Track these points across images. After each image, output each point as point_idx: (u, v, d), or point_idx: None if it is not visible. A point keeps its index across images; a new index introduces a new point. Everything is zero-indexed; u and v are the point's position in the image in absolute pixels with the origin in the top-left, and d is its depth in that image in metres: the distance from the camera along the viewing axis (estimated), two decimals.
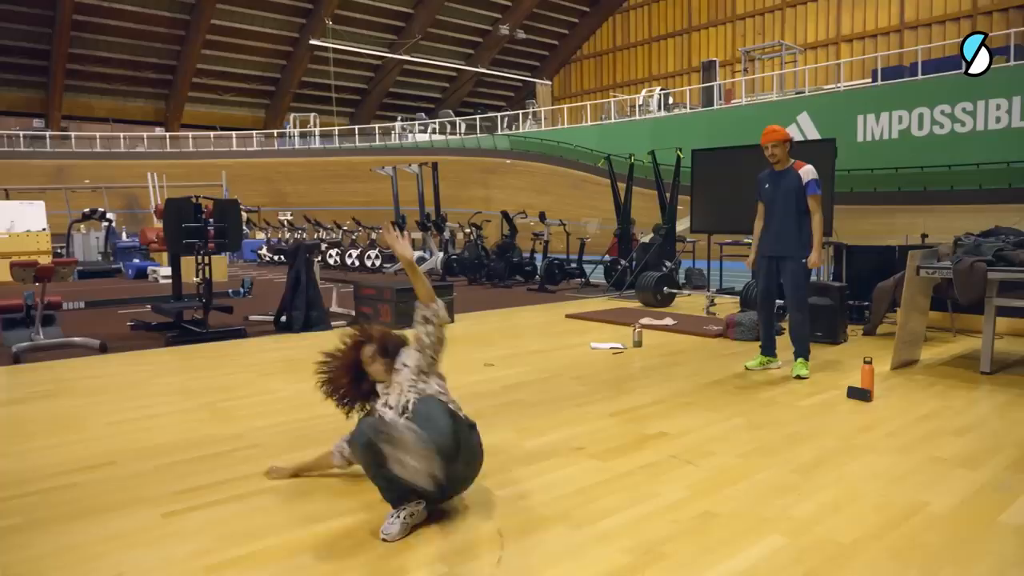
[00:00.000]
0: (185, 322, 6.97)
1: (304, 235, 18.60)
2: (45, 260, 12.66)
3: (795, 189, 4.78)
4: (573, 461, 3.14)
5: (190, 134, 33.40)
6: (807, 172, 4.77)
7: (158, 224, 14.34)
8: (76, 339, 6.28)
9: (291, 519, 2.56)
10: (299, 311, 7.00)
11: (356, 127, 33.11)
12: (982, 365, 4.83)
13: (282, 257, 17.02)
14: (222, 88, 38.01)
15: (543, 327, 7.31)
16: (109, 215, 16.64)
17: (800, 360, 4.83)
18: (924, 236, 7.90)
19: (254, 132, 33.79)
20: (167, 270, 14.09)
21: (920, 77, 18.10)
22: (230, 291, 9.91)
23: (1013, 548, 2.31)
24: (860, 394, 4.16)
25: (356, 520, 2.54)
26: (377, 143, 31.58)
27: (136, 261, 15.59)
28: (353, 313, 7.72)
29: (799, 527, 2.45)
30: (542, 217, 11.40)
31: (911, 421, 3.73)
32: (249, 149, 32.70)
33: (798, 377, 4.73)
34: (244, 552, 2.30)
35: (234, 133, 33.44)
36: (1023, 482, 2.85)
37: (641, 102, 26.15)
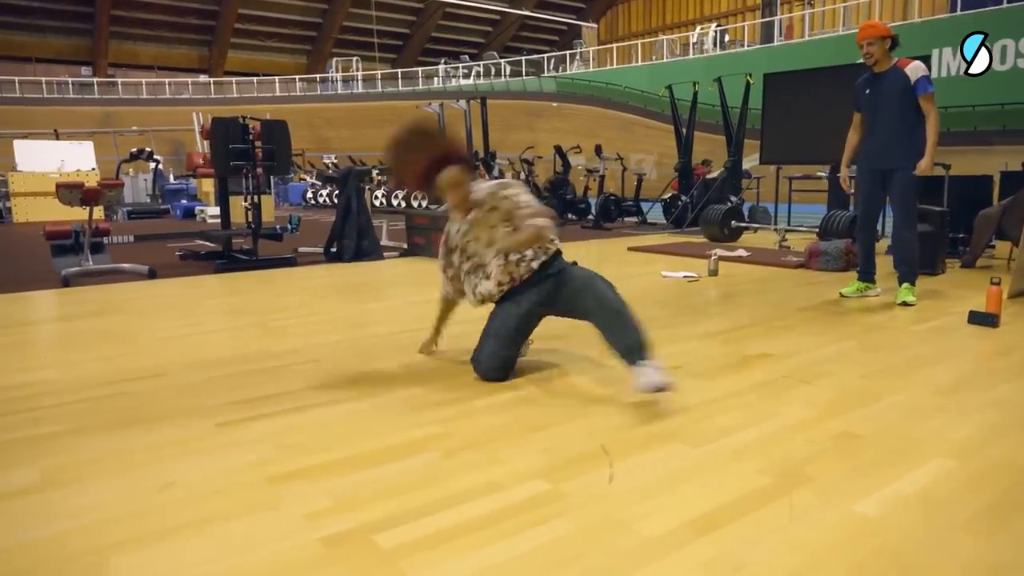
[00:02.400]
0: (234, 251, 6.75)
1: None
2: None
3: (901, 90, 4.19)
4: (675, 378, 2.76)
5: (233, 80, 33.25)
6: (915, 68, 4.17)
7: (203, 151, 14.28)
8: (125, 265, 6.10)
9: (357, 432, 2.24)
10: (350, 240, 6.70)
11: (399, 71, 32.50)
12: None
13: (329, 199, 16.81)
14: (264, 34, 37.65)
15: (606, 257, 6.88)
16: (156, 156, 16.58)
17: (906, 285, 4.32)
18: None
19: (296, 78, 33.43)
20: (215, 210, 14.02)
21: (1005, 5, 16.66)
22: (278, 227, 9.70)
23: None
24: (985, 319, 3.66)
25: (425, 433, 2.21)
26: (420, 87, 30.95)
27: (184, 202, 15.56)
28: (405, 246, 7.40)
29: (964, 449, 2.04)
30: (598, 151, 10.83)
31: None
32: (292, 94, 32.44)
33: (904, 304, 4.24)
34: (309, 464, 1.99)
35: (277, 79, 33.17)
36: None
37: (695, 40, 24.91)
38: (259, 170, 6.20)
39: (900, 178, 4.23)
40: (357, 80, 32.33)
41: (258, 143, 6.16)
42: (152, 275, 5.85)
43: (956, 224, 6.32)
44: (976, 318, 3.70)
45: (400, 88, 31.07)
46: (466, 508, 1.71)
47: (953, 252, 6.28)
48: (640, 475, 1.89)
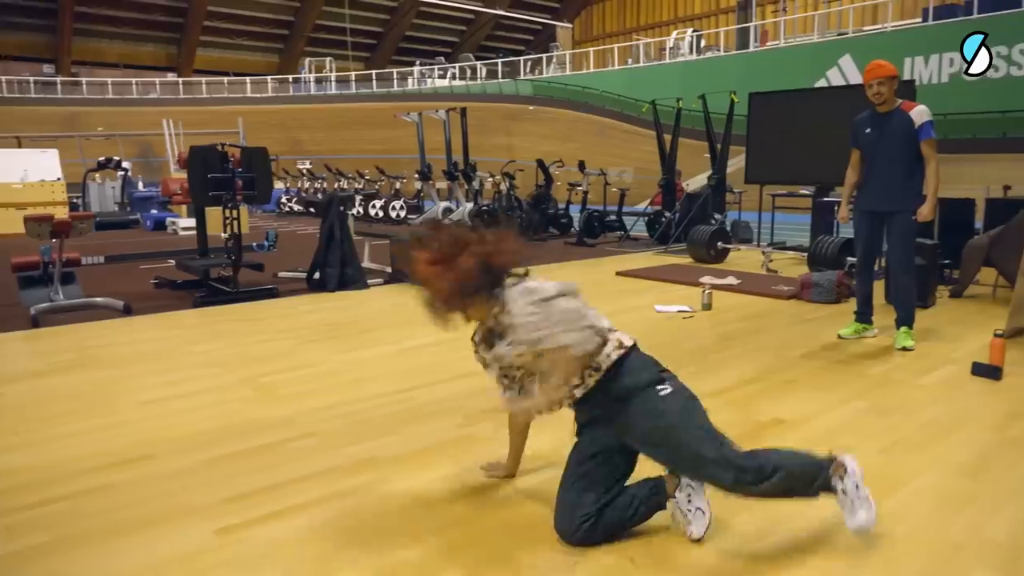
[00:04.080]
0: (212, 280, 6.52)
1: (324, 184, 18.04)
2: (61, 212, 12.26)
3: (904, 133, 4.15)
4: None
5: (203, 80, 32.54)
6: (920, 113, 4.13)
7: (177, 173, 13.89)
8: (98, 299, 5.85)
9: (370, 539, 2.11)
10: (333, 268, 6.51)
11: (374, 72, 32.10)
12: None
13: (307, 207, 16.52)
14: (234, 32, 36.93)
15: (596, 286, 6.77)
16: (125, 164, 16.12)
17: (904, 329, 4.29)
18: (1007, 188, 7.24)
19: (268, 78, 32.83)
20: (187, 221, 13.66)
21: (976, 16, 16.93)
22: (254, 244, 9.43)
23: None
24: (988, 371, 3.63)
25: (443, 543, 2.08)
26: (396, 89, 30.62)
27: (154, 212, 15.14)
28: (389, 269, 7.24)
29: (1007, 558, 1.97)
30: (581, 167, 10.75)
31: None
32: (263, 95, 31.86)
33: (903, 348, 4.20)
34: None
35: (248, 79, 32.55)
36: None
37: (671, 45, 24.97)
38: (239, 197, 5.97)
39: (900, 222, 4.20)
40: (331, 81, 31.85)
41: (238, 170, 5.93)
42: (128, 311, 5.61)
43: (944, 250, 6.34)
44: (980, 370, 3.67)
45: (375, 89, 30.69)
46: None
47: (940, 279, 6.29)
48: None
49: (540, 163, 11.22)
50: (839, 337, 4.52)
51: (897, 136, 4.17)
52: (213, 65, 37.20)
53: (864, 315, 4.54)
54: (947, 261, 6.35)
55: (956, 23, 17.28)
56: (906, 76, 17.72)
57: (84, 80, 31.46)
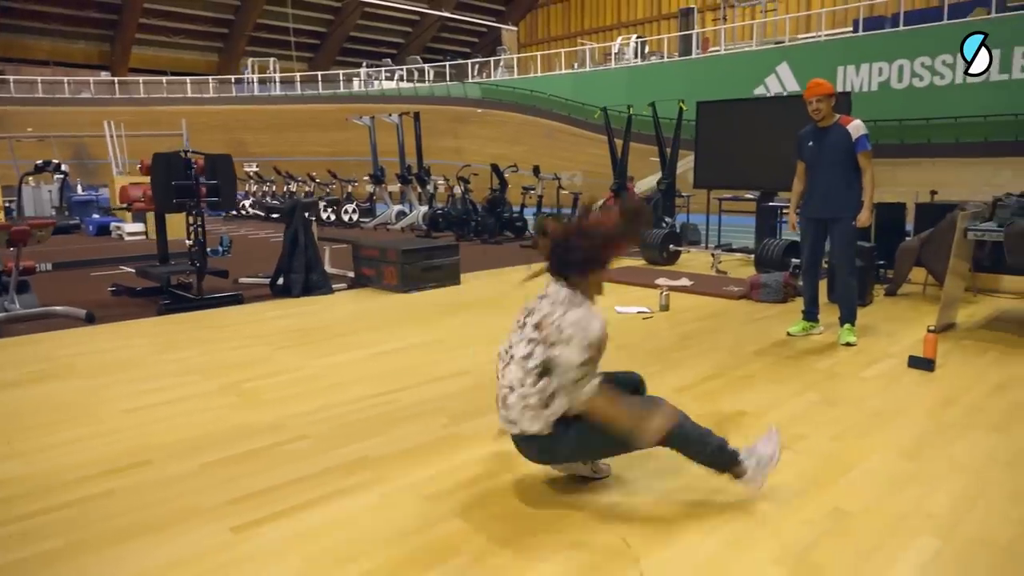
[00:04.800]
0: (173, 287, 6.48)
1: (273, 187, 17.82)
2: None
3: (842, 146, 4.51)
4: (660, 449, 2.89)
5: (140, 79, 31.54)
6: (856, 127, 4.49)
7: (122, 178, 13.53)
8: (58, 308, 5.76)
9: (376, 533, 2.25)
10: (298, 274, 6.55)
11: (319, 73, 31.71)
12: None
13: (269, 213, 16.27)
14: (171, 30, 35.92)
15: None
16: (64, 167, 15.56)
17: (847, 326, 4.65)
18: (933, 193, 7.77)
19: (210, 78, 32.08)
20: (133, 227, 13.35)
21: (902, 28, 17.92)
22: (208, 250, 9.36)
23: None
24: (923, 364, 4.00)
25: (448, 529, 2.25)
26: (342, 90, 30.33)
27: (96, 217, 14.70)
28: (352, 274, 7.30)
29: (944, 526, 2.25)
30: (536, 171, 10.98)
31: (986, 394, 3.58)
32: (205, 96, 31.10)
33: (847, 344, 4.56)
34: (353, 573, 2.00)
35: (188, 79, 31.70)
36: None
37: (616, 50, 25.52)
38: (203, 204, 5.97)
39: (842, 227, 4.55)
40: (275, 81, 31.32)
41: (202, 177, 5.93)
42: (91, 320, 5.55)
43: (879, 252, 6.79)
44: (916, 362, 4.03)
45: (321, 91, 30.34)
46: None
47: (876, 279, 6.75)
48: (670, 571, 1.99)
49: (495, 167, 11.40)
50: (788, 335, 4.85)
51: (836, 149, 4.52)
52: (149, 64, 36.10)
53: (811, 314, 4.88)
54: (882, 262, 6.81)
55: (884, 34, 18.26)
56: (839, 85, 18.63)
57: (11, 78, 30.10)
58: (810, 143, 4.67)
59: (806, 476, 2.62)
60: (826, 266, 5.53)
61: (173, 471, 2.74)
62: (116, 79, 32.09)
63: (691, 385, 3.77)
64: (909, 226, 7.05)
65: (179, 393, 3.73)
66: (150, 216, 12.82)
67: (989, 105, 15.97)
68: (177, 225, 12.29)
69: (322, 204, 14.32)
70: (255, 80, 31.60)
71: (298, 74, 31.95)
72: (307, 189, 16.58)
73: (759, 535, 2.20)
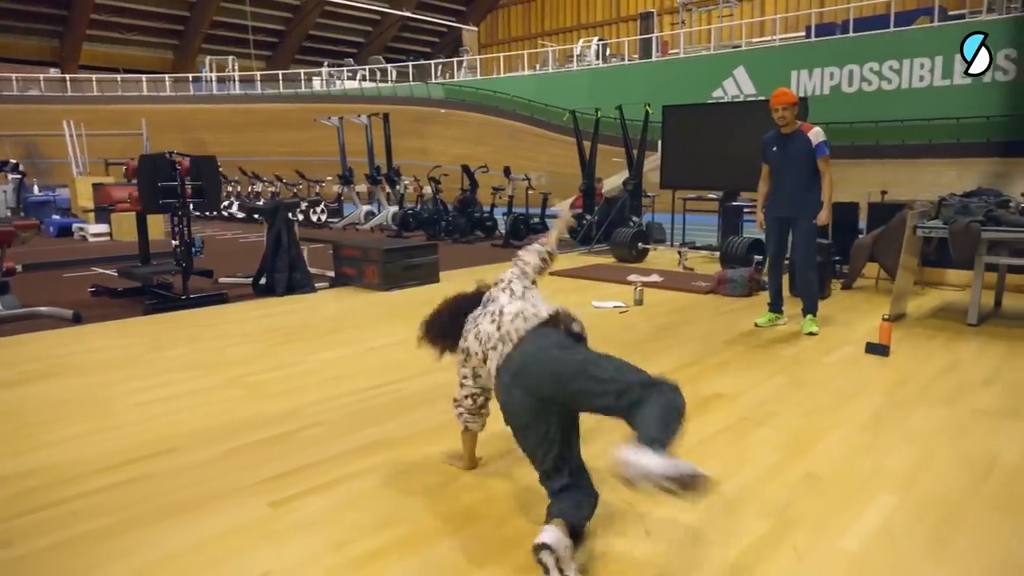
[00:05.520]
0: (155, 287, 6.54)
1: (238, 187, 17.70)
2: None
3: (804, 152, 4.88)
4: None
5: (93, 77, 30.79)
6: (816, 134, 4.88)
7: (84, 179, 13.33)
8: (43, 309, 5.80)
9: (407, 501, 2.49)
10: (282, 273, 6.69)
11: (280, 72, 31.42)
12: (969, 318, 5.17)
13: (251, 214, 16.16)
14: (124, 26, 35.15)
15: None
16: (21, 166, 15.24)
17: (810, 316, 5.03)
18: (884, 193, 8.29)
19: (166, 76, 31.49)
20: (97, 227, 13.18)
21: (852, 35, 18.71)
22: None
23: None
24: (879, 349, 4.38)
25: (470, 499, 2.49)
26: (304, 90, 30.12)
27: (57, 218, 14.44)
28: (332, 274, 7.45)
29: (901, 484, 2.58)
30: (507, 172, 11.25)
31: (935, 375, 3.97)
32: (161, 94, 30.54)
33: (809, 333, 4.93)
34: (386, 540, 2.22)
35: (144, 77, 31.07)
36: None
37: (578, 52, 25.94)
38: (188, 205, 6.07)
39: (804, 226, 4.92)
40: (234, 80, 30.92)
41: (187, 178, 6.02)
42: (77, 320, 5.61)
43: (835, 248, 7.23)
44: (872, 348, 4.42)
45: (282, 90, 30.08)
46: None
47: (833, 274, 7.19)
48: (671, 529, 2.28)
49: (465, 168, 11.63)
50: (756, 325, 5.21)
51: (798, 154, 4.89)
52: (101, 60, 35.26)
53: (776, 306, 5.26)
54: (838, 258, 7.26)
55: (835, 40, 19.05)
56: (792, 89, 19.33)
57: None
58: (774, 148, 5.03)
59: (781, 448, 2.94)
60: (787, 262, 5.92)
61: (200, 457, 2.92)
62: (68, 76, 31.26)
63: (671, 372, 4.07)
64: (862, 224, 7.52)
65: (186, 388, 3.88)
66: (116, 217, 12.71)
67: (932, 109, 16.83)
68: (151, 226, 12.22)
69: (304, 205, 14.39)
70: (214, 79, 31.14)
71: (258, 73, 31.60)
72: (272, 189, 16.54)
73: (745, 497, 2.50)
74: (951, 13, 18.46)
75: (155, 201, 5.84)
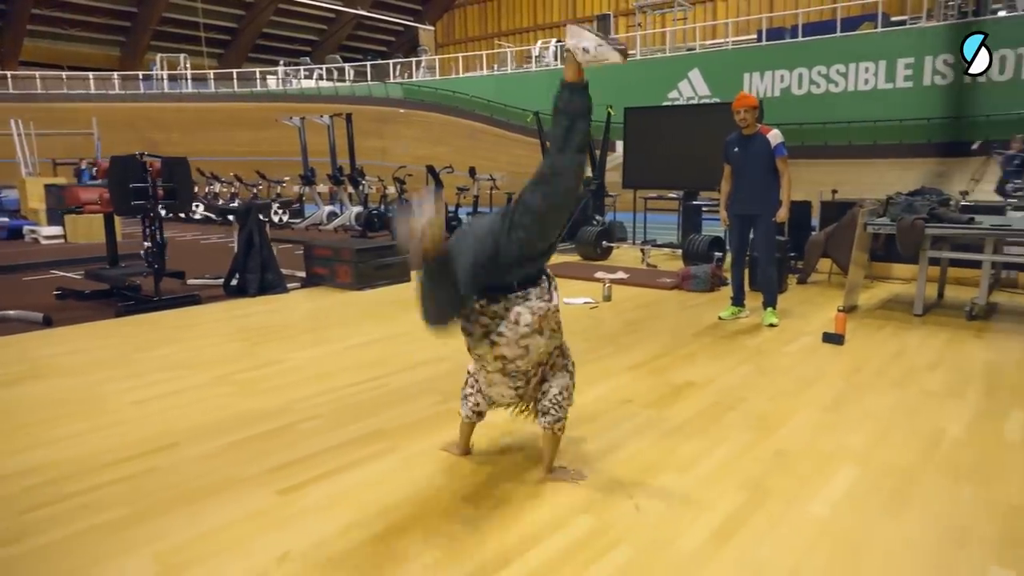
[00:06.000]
0: (124, 289, 6.51)
1: (195, 188, 17.39)
2: None
3: (764, 153, 5.18)
4: (632, 413, 3.40)
5: (37, 74, 29.79)
6: (775, 136, 5.17)
7: (33, 179, 12.99)
8: (11, 312, 5.74)
9: (411, 486, 2.64)
10: (254, 274, 6.72)
11: (235, 71, 30.90)
12: (915, 308, 5.55)
13: (222, 215, 15.93)
14: (68, 22, 34.05)
15: None
16: None
17: (770, 309, 5.33)
18: (834, 192, 8.71)
19: (115, 74, 30.65)
20: (50, 230, 12.87)
21: (801, 39, 19.39)
22: (142, 252, 9.26)
23: None
24: (835, 339, 4.69)
25: (472, 480, 2.66)
26: (259, 89, 29.69)
27: (6, 220, 14.02)
28: (303, 274, 7.50)
29: (861, 457, 2.85)
30: (472, 173, 11.40)
31: (887, 360, 4.29)
32: (110, 92, 29.72)
33: (770, 325, 5.23)
34: (394, 520, 2.37)
35: (91, 75, 30.19)
36: (1003, 407, 3.43)
37: (537, 53, 26.21)
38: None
39: (764, 224, 5.22)
40: (187, 78, 30.29)
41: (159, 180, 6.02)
42: (48, 323, 5.57)
43: (791, 245, 7.60)
44: (829, 338, 4.73)
45: (237, 89, 29.59)
46: (555, 540, 2.20)
47: (789, 269, 7.55)
48: (659, 502, 2.48)
49: (430, 169, 11.74)
50: (719, 319, 5.49)
51: (758, 154, 5.18)
52: (44, 57, 34.07)
53: (738, 300, 5.55)
54: (793, 254, 7.63)
55: (785, 44, 19.71)
56: (745, 90, 19.93)
57: None
58: (736, 149, 5.32)
59: (752, 428, 3.18)
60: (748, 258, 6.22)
61: (203, 450, 3.02)
62: (9, 73, 30.17)
63: (644, 363, 4.30)
64: (815, 221, 7.91)
65: (176, 386, 3.95)
66: (71, 219, 12.42)
67: (877, 112, 17.58)
68: (97, 228, 11.99)
69: (275, 206, 14.35)
70: (165, 77, 30.45)
71: (211, 72, 31.01)
72: (231, 190, 16.35)
73: (723, 471, 2.73)
74: (893, 19, 19.30)
75: (127, 203, 5.83)
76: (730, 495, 2.53)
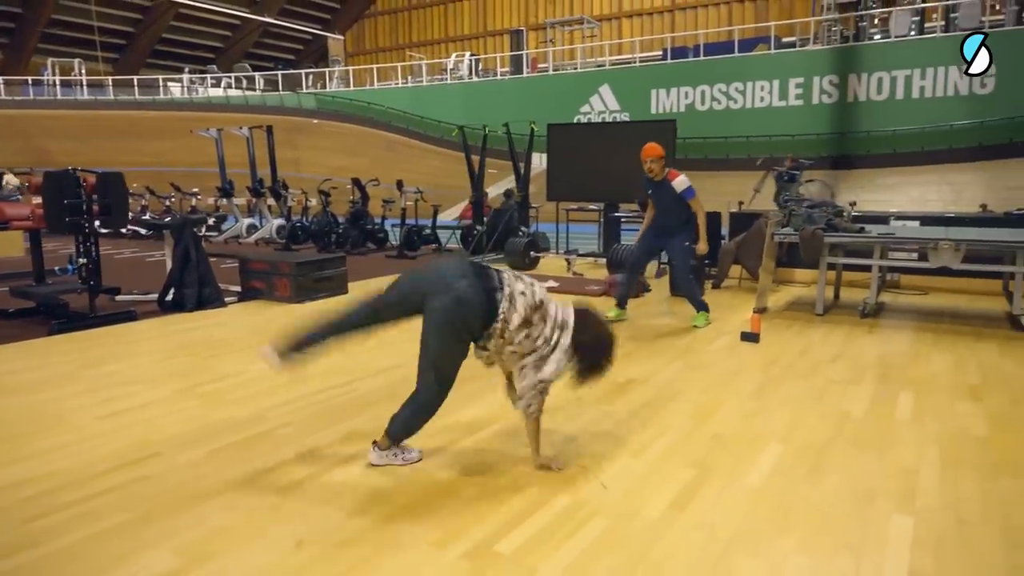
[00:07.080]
0: (51, 306, 6.34)
1: None
2: None
3: (672, 196, 5.70)
4: (584, 408, 3.77)
5: None
6: (680, 183, 5.67)
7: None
8: None
9: (405, 478, 2.89)
10: (191, 289, 6.70)
11: (135, 78, 29.59)
12: (817, 308, 6.24)
13: (156, 229, 15.24)
14: None
15: None
16: None
17: (702, 313, 5.88)
18: (740, 203, 9.48)
19: (0, 79, 28.71)
20: None
21: (702, 58, 20.65)
22: (56, 269, 8.94)
23: (915, 436, 3.38)
24: (752, 337, 5.26)
25: (457, 472, 2.95)
26: (163, 97, 28.57)
27: None
28: (239, 288, 7.51)
29: (784, 436, 3.33)
30: (399, 185, 11.59)
31: (796, 355, 4.87)
32: None
33: (695, 326, 5.77)
34: (394, 507, 2.63)
35: None
36: (893, 391, 4.03)
37: (451, 66, 26.55)
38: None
39: (676, 243, 5.78)
40: (82, 85, 28.76)
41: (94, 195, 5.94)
42: None
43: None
44: (746, 337, 5.29)
45: (138, 97, 28.36)
46: (539, 516, 2.53)
47: (704, 275, 8.20)
48: (621, 481, 2.85)
49: (356, 181, 11.84)
50: (608, 319, 5.99)
51: (668, 198, 5.74)
52: None
53: (622, 304, 6.09)
54: (707, 262, 8.28)
55: (688, 63, 20.92)
56: (652, 106, 21.01)
57: None
58: (649, 190, 5.84)
59: (691, 416, 3.62)
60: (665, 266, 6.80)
61: (188, 458, 3.15)
62: None
63: None
64: (725, 231, 8.61)
65: (139, 400, 4.01)
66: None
67: (772, 127, 18.96)
68: (8, 243, 11.39)
69: (211, 220, 14.02)
70: (57, 82, 28.81)
71: (109, 78, 29.58)
72: (143, 203, 15.80)
73: (671, 454, 3.14)
74: (784, 41, 20.88)
75: (61, 219, 5.73)
76: (680, 472, 2.94)
